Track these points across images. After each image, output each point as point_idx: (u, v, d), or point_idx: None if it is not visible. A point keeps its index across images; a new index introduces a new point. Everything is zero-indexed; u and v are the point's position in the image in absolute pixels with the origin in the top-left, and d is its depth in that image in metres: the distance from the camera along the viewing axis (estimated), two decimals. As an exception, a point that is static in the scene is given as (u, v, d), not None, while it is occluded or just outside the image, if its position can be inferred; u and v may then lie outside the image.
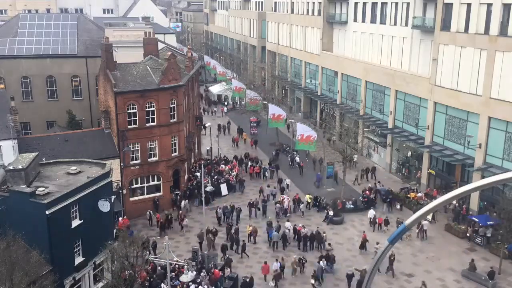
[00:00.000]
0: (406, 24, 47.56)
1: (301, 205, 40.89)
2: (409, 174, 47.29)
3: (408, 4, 46.98)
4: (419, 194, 41.37)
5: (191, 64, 48.66)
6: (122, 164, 39.59)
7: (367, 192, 42.54)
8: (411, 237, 35.92)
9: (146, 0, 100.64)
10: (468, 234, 35.90)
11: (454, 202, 37.86)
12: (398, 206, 40.92)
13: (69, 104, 50.75)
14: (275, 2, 79.72)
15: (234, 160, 52.14)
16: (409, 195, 41.84)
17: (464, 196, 33.91)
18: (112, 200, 30.64)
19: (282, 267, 31.63)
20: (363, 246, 34.84)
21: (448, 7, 40.63)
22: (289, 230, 36.23)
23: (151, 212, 39.71)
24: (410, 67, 47.67)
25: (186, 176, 45.55)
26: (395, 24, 49.57)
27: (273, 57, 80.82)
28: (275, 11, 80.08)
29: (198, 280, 29.84)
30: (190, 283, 29.05)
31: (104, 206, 29.49)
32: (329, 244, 34.57)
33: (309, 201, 41.79)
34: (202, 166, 40.24)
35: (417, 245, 35.47)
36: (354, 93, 56.05)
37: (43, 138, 39.95)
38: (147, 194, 41.71)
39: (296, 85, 72.08)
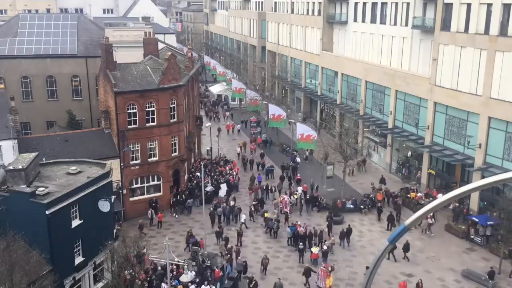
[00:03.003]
0: (406, 24, 47.57)
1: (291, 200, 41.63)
2: (409, 174, 47.29)
3: (408, 4, 46.98)
4: (419, 194, 41.38)
5: (191, 64, 48.66)
6: (122, 164, 39.60)
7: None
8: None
9: (146, 0, 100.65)
10: (471, 236, 35.83)
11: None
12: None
13: (69, 104, 50.74)
14: (275, 2, 79.72)
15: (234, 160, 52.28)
16: (409, 195, 41.87)
17: (464, 196, 33.90)
18: (112, 200, 30.65)
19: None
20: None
21: (448, 7, 40.63)
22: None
23: (152, 211, 39.73)
24: (410, 67, 47.67)
25: (186, 176, 45.55)
26: (395, 24, 49.57)
27: (273, 57, 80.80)
28: (275, 11, 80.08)
29: (198, 280, 29.84)
30: (190, 283, 29.07)
31: (104, 206, 29.49)
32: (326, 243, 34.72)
33: (296, 197, 42.31)
34: (203, 166, 40.23)
35: (417, 245, 35.46)
36: (354, 93, 56.04)
37: (43, 138, 39.96)
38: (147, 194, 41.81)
39: (296, 85, 72.07)
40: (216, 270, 31.09)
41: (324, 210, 40.73)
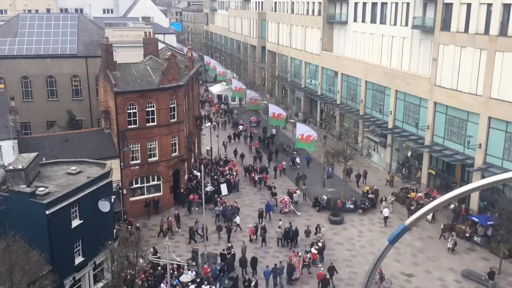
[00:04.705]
0: (406, 24, 47.56)
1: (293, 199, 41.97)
2: (409, 174, 47.28)
3: (408, 4, 46.98)
4: (419, 194, 41.38)
5: (191, 64, 48.65)
6: (122, 164, 39.59)
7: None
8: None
9: (146, 0, 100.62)
10: (467, 235, 35.84)
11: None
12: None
13: (69, 104, 50.75)
14: (275, 2, 79.71)
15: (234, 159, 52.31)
16: (409, 195, 41.87)
17: (464, 196, 33.89)
18: (112, 200, 30.65)
19: None
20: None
21: (448, 7, 40.62)
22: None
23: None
24: (410, 67, 47.67)
25: (186, 176, 45.55)
26: (395, 24, 49.57)
27: (273, 57, 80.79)
28: (275, 11, 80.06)
29: (198, 280, 29.83)
30: (190, 283, 29.06)
31: (104, 206, 29.49)
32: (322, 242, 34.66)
33: (299, 194, 42.63)
34: (203, 166, 40.19)
35: (417, 245, 35.47)
36: (354, 93, 56.04)
37: (43, 138, 39.95)
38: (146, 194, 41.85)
39: (296, 85, 72.07)
40: (205, 266, 31.25)
41: (324, 210, 40.79)
